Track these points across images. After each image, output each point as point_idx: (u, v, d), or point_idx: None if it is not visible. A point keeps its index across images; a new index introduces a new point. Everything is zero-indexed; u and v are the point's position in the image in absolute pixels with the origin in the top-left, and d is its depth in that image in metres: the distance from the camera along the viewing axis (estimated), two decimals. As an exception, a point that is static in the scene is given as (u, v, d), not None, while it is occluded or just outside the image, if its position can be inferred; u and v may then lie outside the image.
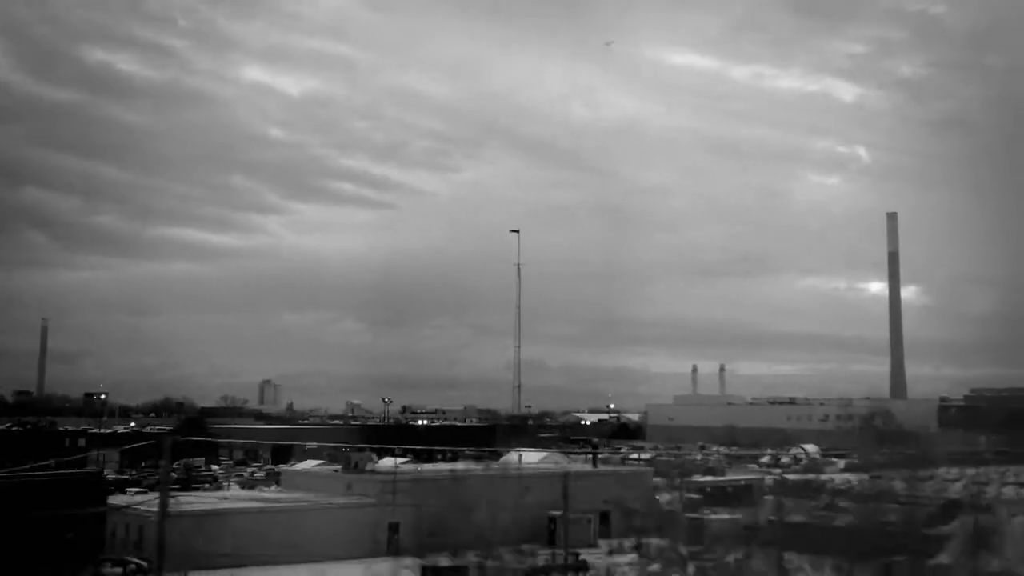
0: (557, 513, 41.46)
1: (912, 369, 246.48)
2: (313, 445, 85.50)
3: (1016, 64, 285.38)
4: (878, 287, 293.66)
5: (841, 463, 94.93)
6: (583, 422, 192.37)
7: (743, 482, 65.86)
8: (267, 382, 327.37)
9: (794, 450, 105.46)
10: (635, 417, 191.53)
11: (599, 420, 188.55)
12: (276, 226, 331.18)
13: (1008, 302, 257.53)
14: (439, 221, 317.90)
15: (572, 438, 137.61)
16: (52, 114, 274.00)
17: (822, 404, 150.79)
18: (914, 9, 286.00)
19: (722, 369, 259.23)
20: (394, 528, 41.63)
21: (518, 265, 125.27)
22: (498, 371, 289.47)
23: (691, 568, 36.41)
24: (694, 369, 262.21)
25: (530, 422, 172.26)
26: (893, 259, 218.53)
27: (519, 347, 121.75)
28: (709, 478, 68.01)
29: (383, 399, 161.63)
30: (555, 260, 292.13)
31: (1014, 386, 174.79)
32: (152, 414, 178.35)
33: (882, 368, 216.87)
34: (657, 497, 54.62)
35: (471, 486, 39.63)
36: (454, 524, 37.21)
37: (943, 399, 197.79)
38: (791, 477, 76.69)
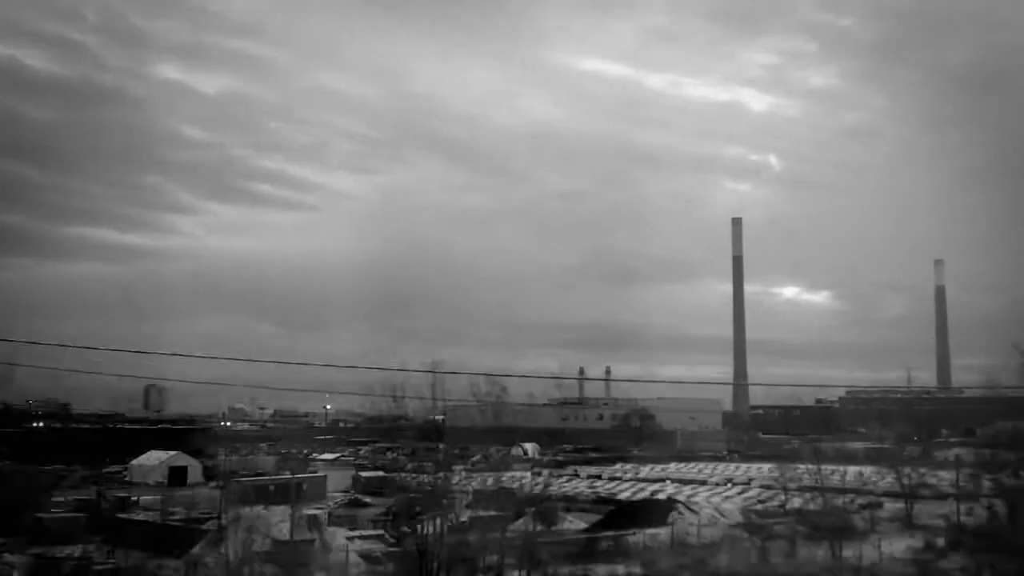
0: None
1: (826, 371, 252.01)
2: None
3: (922, 75, 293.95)
4: (792, 291, 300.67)
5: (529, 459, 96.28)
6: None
7: (294, 480, 66.98)
8: (152, 386, 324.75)
9: (515, 449, 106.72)
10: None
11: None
12: (193, 227, 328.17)
13: (916, 306, 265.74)
14: (360, 223, 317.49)
15: (352, 440, 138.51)
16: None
17: (606, 404, 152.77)
18: (823, 21, 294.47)
19: (608, 372, 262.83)
20: None
21: None
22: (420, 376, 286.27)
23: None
24: (581, 371, 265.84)
25: (343, 424, 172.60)
26: (737, 263, 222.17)
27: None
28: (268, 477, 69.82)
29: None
30: (475, 263, 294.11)
31: (892, 387, 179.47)
32: None
33: (788, 370, 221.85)
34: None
35: None
36: None
37: (818, 400, 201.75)
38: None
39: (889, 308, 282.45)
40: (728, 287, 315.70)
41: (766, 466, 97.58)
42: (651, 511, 46.90)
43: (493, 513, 51.81)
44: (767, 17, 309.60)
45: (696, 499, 58.63)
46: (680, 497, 58.65)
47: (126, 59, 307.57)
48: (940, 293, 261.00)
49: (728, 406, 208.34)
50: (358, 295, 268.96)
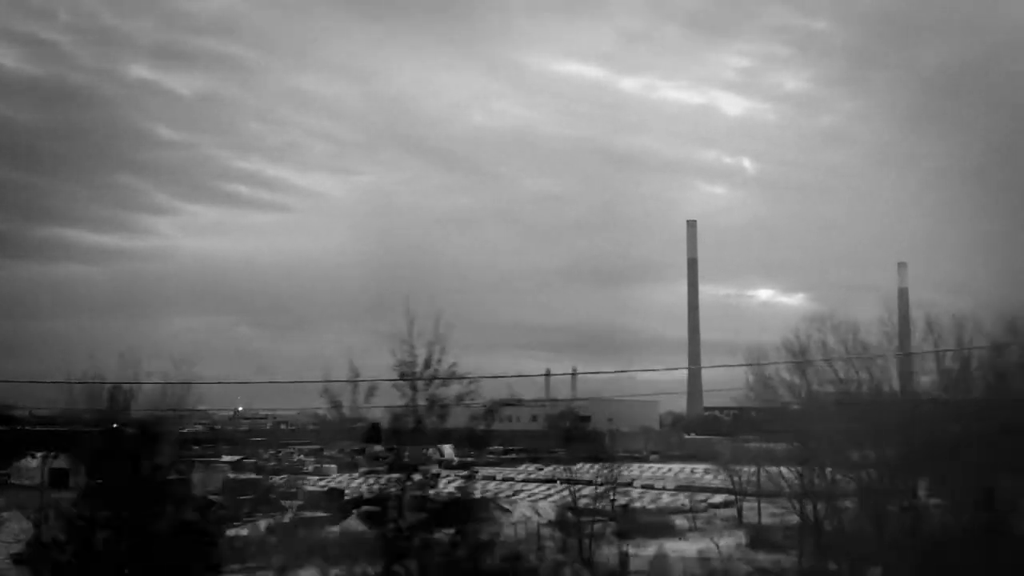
0: None
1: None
2: None
3: (896, 78, 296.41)
4: (767, 294, 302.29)
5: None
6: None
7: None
8: (117, 387, 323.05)
9: (431, 451, 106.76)
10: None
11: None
12: (168, 227, 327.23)
13: (888, 307, 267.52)
14: (338, 224, 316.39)
15: (283, 442, 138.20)
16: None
17: (543, 405, 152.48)
18: (798, 25, 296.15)
19: (574, 373, 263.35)
20: None
21: None
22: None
23: None
24: (547, 373, 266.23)
25: (285, 426, 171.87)
26: (692, 266, 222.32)
27: None
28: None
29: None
30: (456, 265, 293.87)
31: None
32: None
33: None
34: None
35: None
36: None
37: (783, 403, 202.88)
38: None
39: (864, 310, 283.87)
40: (707, 289, 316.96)
41: (676, 466, 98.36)
42: (463, 510, 46.88)
43: (320, 514, 52.21)
44: (741, 20, 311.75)
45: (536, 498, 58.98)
46: (535, 495, 58.92)
47: (99, 59, 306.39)
48: (903, 295, 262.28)
49: (683, 407, 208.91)
50: (338, 296, 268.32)
